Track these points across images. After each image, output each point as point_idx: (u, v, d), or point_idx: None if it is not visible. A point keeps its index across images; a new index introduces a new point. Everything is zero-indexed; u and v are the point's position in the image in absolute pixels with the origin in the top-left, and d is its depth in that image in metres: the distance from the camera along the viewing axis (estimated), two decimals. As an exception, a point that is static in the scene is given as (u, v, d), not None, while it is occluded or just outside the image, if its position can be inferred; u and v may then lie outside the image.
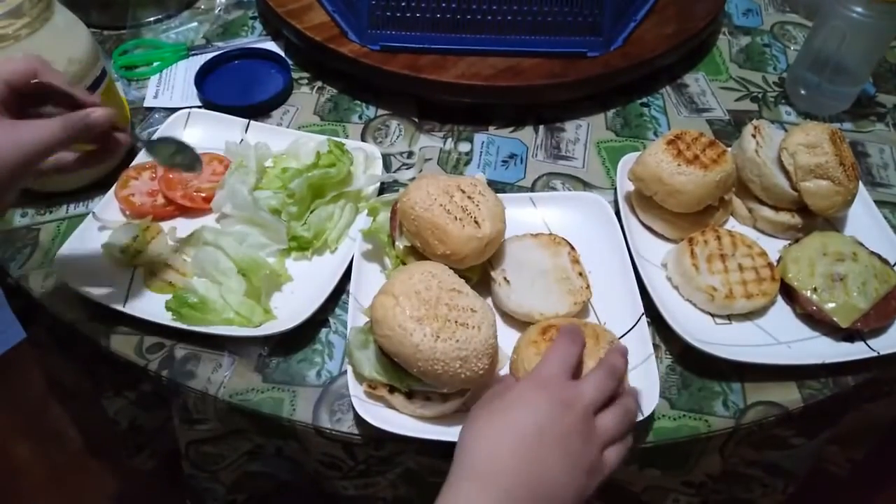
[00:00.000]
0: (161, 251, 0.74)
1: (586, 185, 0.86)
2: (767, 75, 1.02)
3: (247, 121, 0.87)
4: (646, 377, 0.64)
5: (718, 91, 1.00)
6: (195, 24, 1.06)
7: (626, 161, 0.82)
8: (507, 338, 0.67)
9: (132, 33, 1.04)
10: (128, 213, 0.77)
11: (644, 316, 0.68)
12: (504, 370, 0.64)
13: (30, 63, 0.56)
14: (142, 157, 0.82)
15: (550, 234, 0.75)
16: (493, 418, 0.51)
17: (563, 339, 0.56)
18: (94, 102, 0.58)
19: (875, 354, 0.68)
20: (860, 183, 0.79)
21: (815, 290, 0.70)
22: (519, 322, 0.69)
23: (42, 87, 0.56)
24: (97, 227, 0.75)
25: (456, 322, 0.57)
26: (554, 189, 0.85)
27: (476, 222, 0.66)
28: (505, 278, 0.69)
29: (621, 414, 0.54)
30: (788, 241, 0.77)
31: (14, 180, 0.54)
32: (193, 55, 1.01)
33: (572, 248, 0.73)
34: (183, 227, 0.77)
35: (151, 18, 1.06)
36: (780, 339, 0.70)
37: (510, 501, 0.46)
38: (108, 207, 0.77)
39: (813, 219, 0.78)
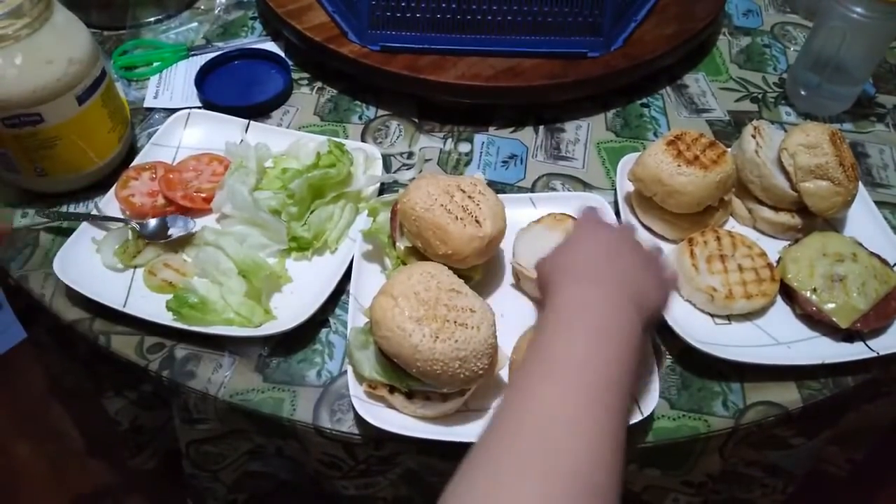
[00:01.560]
0: (160, 252, 0.74)
1: (586, 186, 0.86)
2: (767, 76, 1.02)
3: (247, 121, 0.87)
4: (646, 377, 0.64)
5: (718, 91, 1.00)
6: (195, 24, 1.06)
7: (626, 162, 0.82)
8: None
9: (132, 33, 1.04)
10: (128, 213, 0.78)
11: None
12: (504, 370, 0.64)
13: None
14: (142, 158, 0.82)
15: (550, 213, 0.76)
16: (568, 251, 0.57)
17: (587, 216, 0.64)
18: None
19: (874, 355, 0.68)
20: (860, 184, 0.79)
21: (814, 290, 0.70)
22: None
23: None
24: (97, 227, 0.75)
25: (455, 322, 0.57)
26: (554, 189, 0.85)
27: (477, 222, 0.66)
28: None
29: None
30: (788, 242, 0.77)
31: None
32: (193, 55, 1.01)
33: (575, 219, 0.74)
34: (183, 227, 0.77)
35: (151, 19, 1.05)
36: (779, 339, 0.70)
37: (611, 288, 0.51)
38: (108, 208, 0.78)
39: (813, 219, 0.78)
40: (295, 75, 0.98)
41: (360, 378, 0.63)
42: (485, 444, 0.42)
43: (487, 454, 0.42)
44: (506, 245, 0.73)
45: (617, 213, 0.78)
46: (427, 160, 0.89)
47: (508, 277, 0.74)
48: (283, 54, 1.00)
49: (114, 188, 0.79)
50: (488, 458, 0.41)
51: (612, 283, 0.52)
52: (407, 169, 0.87)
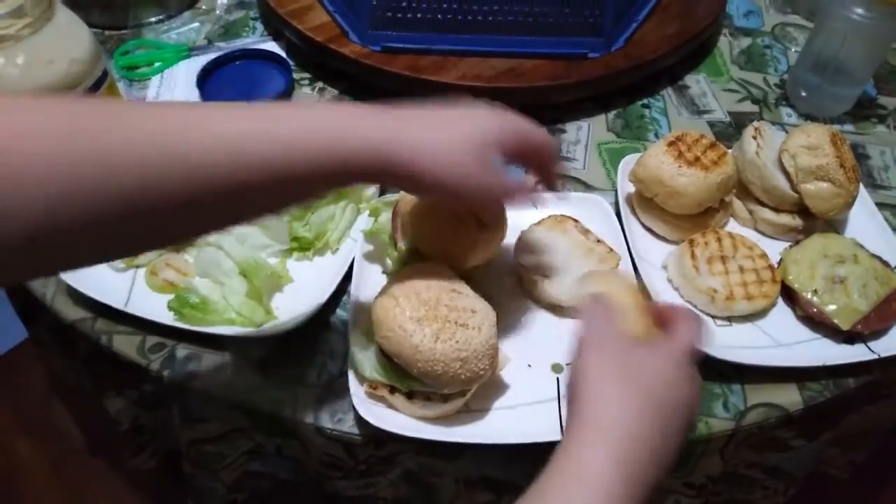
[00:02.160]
0: (162, 251, 0.74)
1: (587, 187, 0.86)
2: (768, 77, 1.02)
3: (248, 121, 0.87)
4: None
5: (719, 92, 1.00)
6: (196, 24, 1.06)
7: (627, 162, 0.82)
8: (545, 328, 0.70)
9: (133, 34, 1.04)
10: (129, 213, 0.77)
11: (644, 317, 0.68)
12: (505, 370, 0.64)
13: (554, 146, 0.60)
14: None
15: (550, 215, 0.76)
16: (627, 380, 0.47)
17: (689, 320, 0.53)
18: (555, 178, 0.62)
19: (876, 357, 0.68)
20: (861, 185, 0.79)
21: (815, 292, 0.70)
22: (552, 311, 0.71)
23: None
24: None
25: (456, 323, 0.57)
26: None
27: (479, 222, 0.66)
28: (543, 275, 0.70)
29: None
30: (789, 243, 0.77)
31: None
32: (195, 56, 1.01)
33: (575, 221, 0.75)
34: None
35: (153, 19, 1.06)
36: (780, 340, 0.70)
37: (634, 478, 0.44)
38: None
39: (814, 221, 0.78)
40: (296, 75, 0.98)
41: (361, 378, 0.63)
42: None
43: None
44: (507, 246, 0.73)
45: (618, 214, 0.78)
46: (428, 161, 0.88)
47: (510, 278, 0.74)
48: (284, 54, 1.00)
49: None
50: None
51: (630, 453, 0.45)
52: (408, 169, 0.87)
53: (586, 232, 0.74)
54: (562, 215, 0.75)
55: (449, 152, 0.51)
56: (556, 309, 0.71)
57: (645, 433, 0.46)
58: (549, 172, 0.61)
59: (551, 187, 0.62)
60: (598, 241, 0.73)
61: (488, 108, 0.55)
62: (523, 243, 0.73)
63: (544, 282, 0.70)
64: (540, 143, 0.58)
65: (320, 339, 0.70)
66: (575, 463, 0.45)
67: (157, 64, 0.99)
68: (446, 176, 0.51)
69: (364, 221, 0.76)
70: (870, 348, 0.69)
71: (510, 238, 0.71)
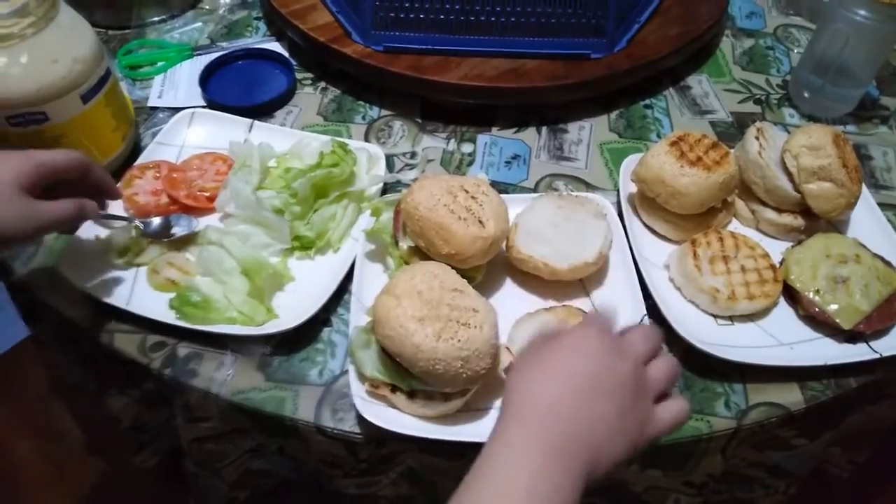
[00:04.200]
0: (163, 250, 0.75)
1: (589, 187, 0.86)
2: (771, 77, 1.02)
3: (250, 121, 0.88)
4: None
5: (721, 93, 1.00)
6: (199, 24, 1.07)
7: (629, 162, 0.82)
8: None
9: (136, 33, 1.04)
10: (132, 211, 0.78)
11: (647, 317, 0.68)
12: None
13: (83, 161, 0.64)
14: (146, 157, 0.82)
15: (564, 305, 0.70)
16: (546, 363, 0.49)
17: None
18: (118, 195, 0.72)
19: (877, 356, 0.68)
20: (863, 185, 0.79)
21: (817, 291, 0.70)
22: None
23: (87, 180, 0.65)
24: (101, 225, 0.76)
25: (458, 322, 0.57)
26: (557, 190, 0.85)
27: (480, 222, 0.66)
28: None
29: (670, 366, 0.52)
30: (791, 243, 0.77)
31: (21, 245, 0.68)
32: (198, 55, 1.01)
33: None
34: (186, 226, 0.77)
35: (156, 18, 1.06)
36: (782, 340, 0.70)
37: (560, 451, 0.44)
38: (111, 206, 0.77)
39: (816, 221, 0.78)
40: (298, 75, 0.98)
41: (362, 377, 0.63)
42: None
43: None
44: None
45: (620, 214, 0.78)
46: (430, 160, 0.89)
47: (510, 277, 0.74)
48: (286, 54, 1.01)
49: (117, 186, 0.79)
50: None
51: (557, 438, 0.45)
52: (410, 169, 0.87)
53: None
54: (577, 308, 0.69)
55: None
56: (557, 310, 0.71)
57: (569, 407, 0.46)
58: (89, 186, 0.65)
59: (109, 195, 0.69)
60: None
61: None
62: (520, 329, 0.68)
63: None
64: (62, 167, 0.62)
65: (321, 338, 0.70)
66: (498, 445, 0.46)
67: (160, 63, 0.99)
68: None
69: (365, 221, 0.76)
70: (871, 348, 0.69)
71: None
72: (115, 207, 0.78)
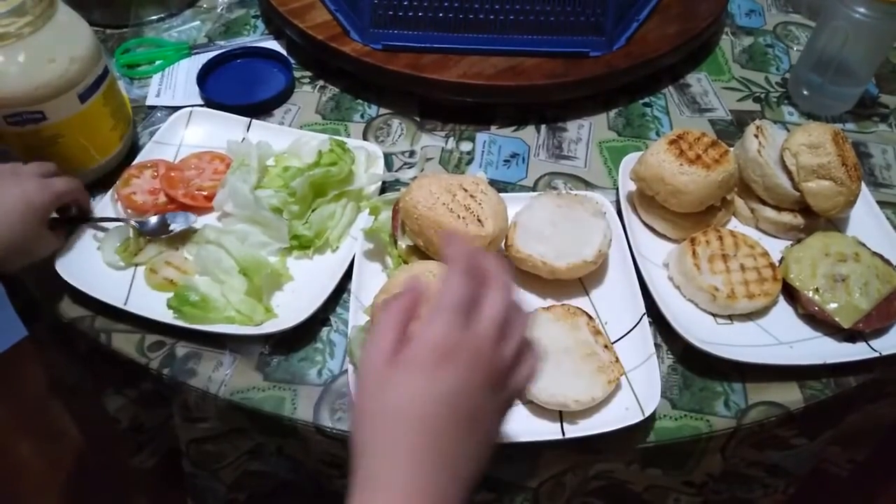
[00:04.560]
0: (161, 249, 0.74)
1: (588, 185, 0.86)
2: (770, 76, 1.02)
3: (249, 119, 0.87)
4: (647, 377, 0.64)
5: (721, 91, 0.99)
6: (197, 22, 1.06)
7: (628, 161, 0.82)
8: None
9: (134, 32, 1.04)
10: (129, 211, 0.77)
11: (645, 316, 0.68)
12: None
13: (82, 188, 0.73)
14: (144, 156, 0.82)
15: (563, 305, 0.69)
16: (389, 411, 0.42)
17: (407, 295, 0.47)
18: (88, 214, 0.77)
19: (877, 355, 0.68)
20: (862, 184, 0.79)
21: (816, 290, 0.70)
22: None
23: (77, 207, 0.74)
24: (98, 225, 0.75)
25: (457, 321, 0.57)
26: (556, 189, 0.85)
27: (479, 221, 0.66)
28: None
29: (523, 336, 0.46)
30: (790, 242, 0.77)
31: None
32: (195, 54, 1.01)
33: (590, 317, 0.67)
34: (184, 225, 0.77)
35: (154, 17, 1.06)
36: (781, 339, 0.70)
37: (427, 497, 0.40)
38: (109, 206, 0.78)
39: (815, 219, 0.78)
40: (297, 74, 0.98)
41: (362, 377, 0.62)
42: None
43: None
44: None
45: (619, 213, 0.78)
46: (429, 159, 0.88)
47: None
48: (285, 53, 1.00)
49: (115, 186, 0.79)
50: None
51: (421, 488, 0.40)
52: (408, 168, 0.87)
53: (598, 332, 0.66)
54: (576, 308, 0.68)
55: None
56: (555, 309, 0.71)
57: (437, 458, 0.41)
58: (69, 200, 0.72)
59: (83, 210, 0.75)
60: (607, 346, 0.65)
61: None
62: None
63: None
64: (69, 197, 0.71)
65: (320, 338, 0.70)
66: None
67: (157, 62, 0.99)
68: None
69: (364, 220, 0.76)
70: (871, 347, 0.69)
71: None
72: (114, 207, 0.78)
